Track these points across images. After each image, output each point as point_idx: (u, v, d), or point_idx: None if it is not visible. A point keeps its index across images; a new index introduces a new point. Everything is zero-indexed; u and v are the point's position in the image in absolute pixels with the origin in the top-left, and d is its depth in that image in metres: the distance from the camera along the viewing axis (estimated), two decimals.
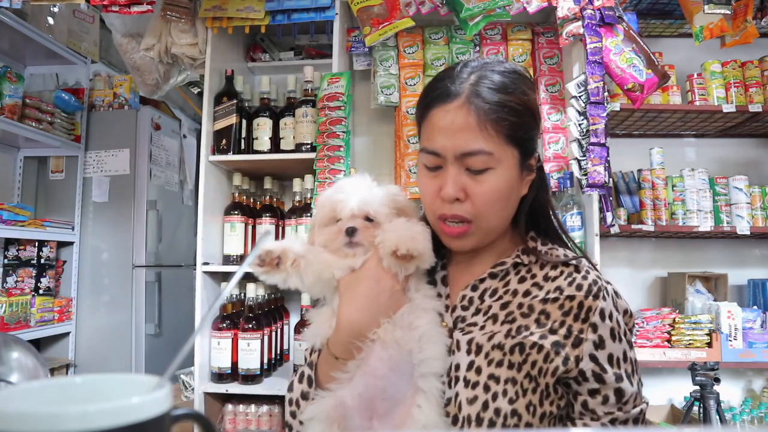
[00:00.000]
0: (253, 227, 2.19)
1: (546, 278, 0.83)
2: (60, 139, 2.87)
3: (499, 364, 0.78)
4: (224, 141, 2.10)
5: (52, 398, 0.42)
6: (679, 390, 2.31)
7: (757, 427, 2.15)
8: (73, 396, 0.42)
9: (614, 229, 2.10)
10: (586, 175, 1.93)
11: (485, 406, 0.76)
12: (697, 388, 1.94)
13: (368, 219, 0.84)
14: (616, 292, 0.83)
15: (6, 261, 2.82)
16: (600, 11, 1.97)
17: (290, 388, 0.90)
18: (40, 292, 2.84)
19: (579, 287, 0.81)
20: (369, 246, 0.83)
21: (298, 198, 2.12)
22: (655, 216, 2.27)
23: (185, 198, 3.64)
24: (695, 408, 1.98)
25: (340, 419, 0.79)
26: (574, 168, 2.01)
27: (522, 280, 0.84)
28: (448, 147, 0.78)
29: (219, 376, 2.04)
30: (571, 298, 0.80)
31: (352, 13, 2.08)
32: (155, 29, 2.17)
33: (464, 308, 0.85)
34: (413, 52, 2.18)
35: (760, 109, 2.19)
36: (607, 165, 1.93)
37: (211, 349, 2.06)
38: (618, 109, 2.17)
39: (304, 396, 0.86)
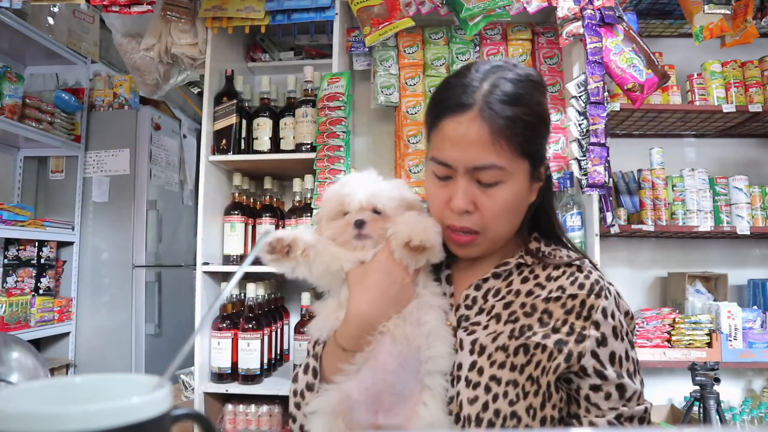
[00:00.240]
0: (253, 227, 2.19)
1: (548, 278, 0.84)
2: (60, 139, 2.87)
3: (502, 365, 0.78)
4: (224, 141, 2.10)
5: (52, 398, 0.42)
6: (679, 390, 2.31)
7: (757, 427, 2.15)
8: (73, 396, 0.42)
9: (614, 229, 2.10)
10: (586, 175, 1.93)
11: (485, 406, 0.76)
12: (697, 388, 1.95)
13: (376, 212, 0.84)
14: (617, 293, 0.83)
15: (6, 261, 2.82)
16: (600, 11, 1.97)
17: (295, 379, 0.90)
18: (40, 292, 2.84)
19: (581, 286, 0.81)
20: (378, 238, 0.83)
21: (298, 198, 2.12)
22: (655, 216, 2.27)
23: (185, 198, 3.64)
24: (695, 408, 1.98)
25: (345, 412, 0.79)
26: (574, 168, 2.01)
27: (525, 280, 0.85)
28: (459, 160, 0.77)
29: (219, 376, 2.04)
30: (574, 296, 0.80)
31: (352, 13, 2.09)
32: (155, 29, 2.17)
33: (468, 307, 0.85)
34: (413, 52, 2.18)
35: (760, 109, 2.19)
36: (607, 165, 1.93)
37: (211, 349, 2.06)
38: (618, 109, 2.17)
39: (309, 387, 0.86)
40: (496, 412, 0.76)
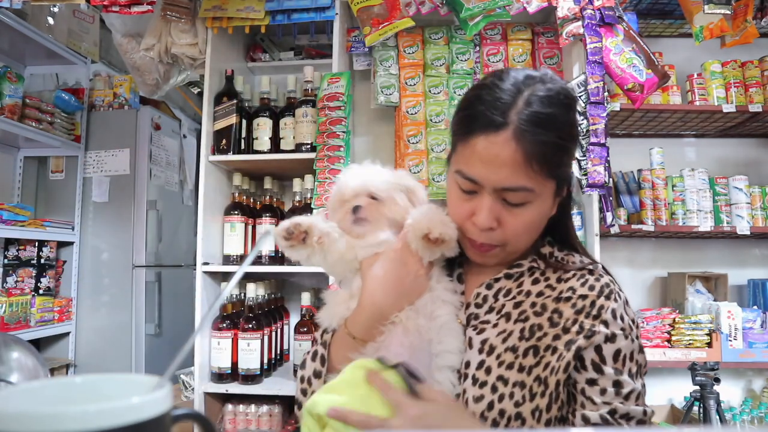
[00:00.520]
0: (253, 227, 2.19)
1: (559, 280, 0.84)
2: (60, 139, 2.87)
3: (510, 366, 0.78)
4: (224, 141, 2.10)
5: (52, 398, 0.42)
6: (679, 390, 2.31)
7: (757, 427, 2.15)
8: (73, 396, 0.42)
9: (614, 229, 2.10)
10: (586, 175, 1.93)
11: (490, 406, 0.76)
12: (697, 388, 1.95)
13: (373, 198, 0.85)
14: (626, 300, 0.83)
15: (6, 261, 2.82)
16: (600, 11, 1.97)
17: (302, 366, 0.90)
18: (40, 292, 2.84)
19: (591, 288, 0.81)
20: (375, 223, 0.85)
21: (298, 198, 2.12)
22: (655, 216, 2.27)
23: (185, 198, 3.64)
24: (695, 408, 1.98)
25: None
26: (574, 168, 2.01)
27: (536, 281, 0.85)
28: (488, 179, 0.76)
29: (219, 376, 2.04)
30: (584, 297, 0.80)
31: (352, 13, 2.08)
32: (155, 29, 2.17)
33: (478, 306, 0.86)
34: (413, 52, 2.18)
35: (760, 109, 2.19)
36: (607, 165, 1.93)
37: (211, 349, 2.06)
38: (618, 109, 2.17)
39: (316, 374, 0.86)
40: (501, 412, 0.76)
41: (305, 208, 2.06)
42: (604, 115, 1.93)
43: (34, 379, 1.04)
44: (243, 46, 2.45)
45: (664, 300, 2.48)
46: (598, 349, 0.77)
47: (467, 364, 0.81)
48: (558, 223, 0.89)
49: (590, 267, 0.85)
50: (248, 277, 2.13)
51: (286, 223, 0.84)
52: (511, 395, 0.76)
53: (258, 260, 2.10)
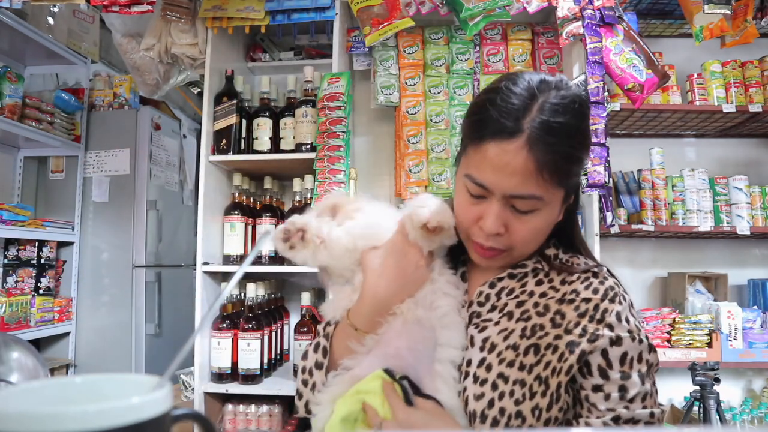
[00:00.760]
0: (253, 227, 2.19)
1: (563, 282, 0.84)
2: (60, 139, 2.87)
3: (510, 364, 0.78)
4: (224, 141, 2.10)
5: (51, 398, 0.42)
6: (679, 390, 2.31)
7: (757, 427, 2.15)
8: (73, 396, 0.42)
9: (614, 229, 2.10)
10: (586, 175, 1.93)
11: (491, 403, 0.76)
12: (697, 388, 1.95)
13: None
14: (631, 303, 0.83)
15: (6, 261, 2.82)
16: (600, 11, 1.97)
17: (304, 357, 0.90)
18: (40, 292, 2.84)
19: (595, 291, 0.81)
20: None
21: (298, 198, 2.12)
22: (655, 216, 2.27)
23: (185, 198, 3.64)
24: (695, 408, 1.98)
25: None
26: None
27: (539, 282, 0.85)
28: (498, 186, 0.76)
29: (219, 376, 2.04)
30: (587, 300, 0.80)
31: (352, 13, 2.08)
32: (155, 29, 2.17)
33: (480, 304, 0.86)
34: (413, 52, 2.18)
35: (760, 109, 2.19)
36: (607, 165, 1.93)
37: (211, 349, 2.06)
38: (618, 109, 2.17)
39: (318, 366, 0.87)
40: (501, 411, 0.76)
41: (305, 208, 2.05)
42: (604, 115, 1.93)
43: (34, 379, 1.04)
44: (243, 46, 2.45)
45: (664, 300, 2.48)
46: (604, 353, 0.76)
47: (468, 362, 0.81)
48: (564, 226, 0.88)
49: (595, 269, 0.85)
50: (248, 277, 2.13)
51: (281, 227, 0.84)
52: (512, 393, 0.76)
53: (258, 260, 2.10)
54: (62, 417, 0.34)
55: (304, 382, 0.88)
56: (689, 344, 2.14)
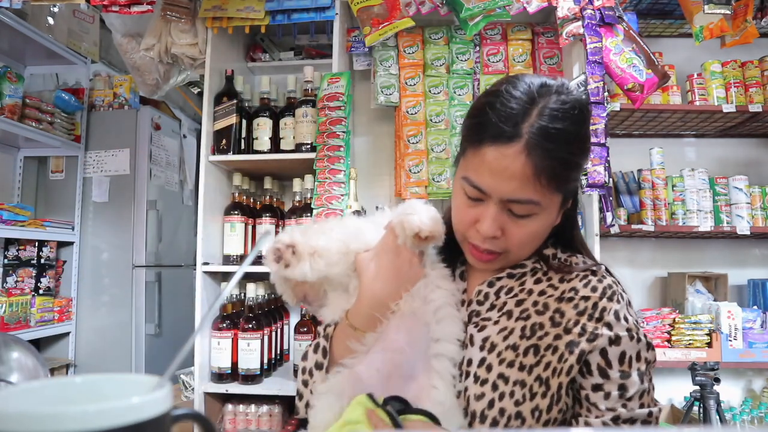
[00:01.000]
0: (253, 227, 2.19)
1: (562, 280, 0.84)
2: (60, 139, 2.87)
3: (510, 364, 0.78)
4: (224, 141, 2.10)
5: (51, 398, 0.42)
6: (679, 390, 2.32)
7: (757, 427, 2.15)
8: (73, 396, 0.42)
9: (614, 229, 2.10)
10: (585, 175, 1.93)
11: (491, 404, 0.76)
12: (697, 388, 1.95)
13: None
14: (629, 302, 0.83)
15: (6, 261, 2.82)
16: (600, 11, 1.97)
17: (304, 357, 0.91)
18: (40, 292, 2.84)
19: (594, 289, 0.81)
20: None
21: (298, 198, 2.11)
22: (655, 216, 2.27)
23: (185, 198, 3.64)
24: (695, 408, 1.98)
25: (352, 394, 0.80)
26: None
27: (538, 281, 0.85)
28: (496, 189, 0.76)
29: (219, 376, 2.04)
30: (586, 298, 0.80)
31: (352, 13, 2.08)
32: (155, 29, 2.17)
33: (479, 303, 0.86)
34: (413, 52, 2.18)
35: (760, 109, 2.19)
36: (607, 165, 1.93)
37: (211, 349, 2.06)
38: (618, 109, 2.17)
39: (318, 366, 0.87)
40: (501, 411, 0.76)
41: (305, 208, 2.06)
42: (604, 115, 1.93)
43: (34, 379, 1.04)
44: (243, 46, 2.45)
45: (664, 300, 2.48)
46: (603, 353, 0.76)
47: (469, 362, 0.81)
48: (563, 226, 0.89)
49: (593, 268, 0.85)
50: (248, 277, 2.13)
51: (268, 248, 0.82)
52: (512, 394, 0.76)
53: (258, 260, 2.09)
54: (62, 417, 0.34)
55: (305, 383, 0.88)
56: (689, 344, 2.14)
